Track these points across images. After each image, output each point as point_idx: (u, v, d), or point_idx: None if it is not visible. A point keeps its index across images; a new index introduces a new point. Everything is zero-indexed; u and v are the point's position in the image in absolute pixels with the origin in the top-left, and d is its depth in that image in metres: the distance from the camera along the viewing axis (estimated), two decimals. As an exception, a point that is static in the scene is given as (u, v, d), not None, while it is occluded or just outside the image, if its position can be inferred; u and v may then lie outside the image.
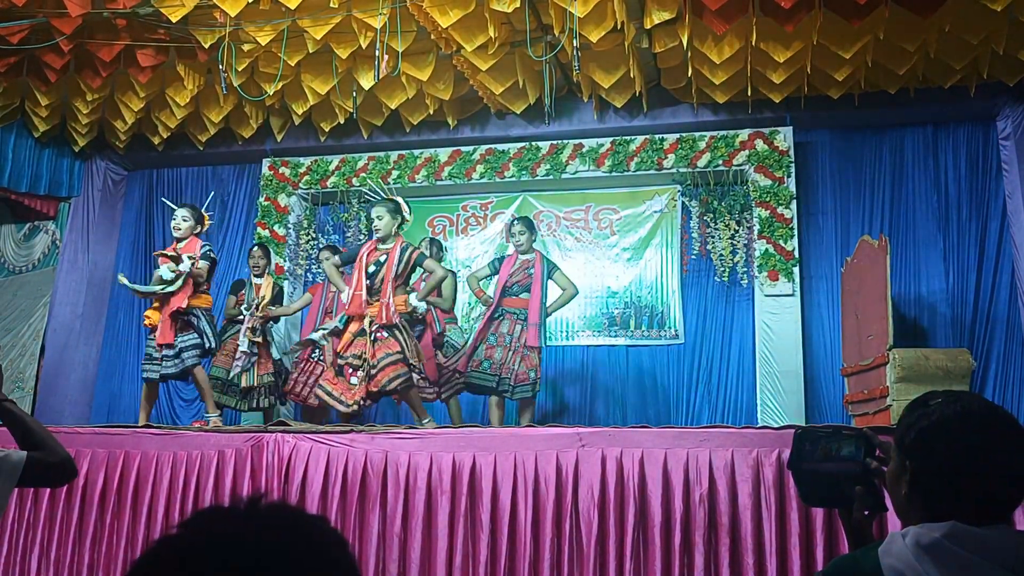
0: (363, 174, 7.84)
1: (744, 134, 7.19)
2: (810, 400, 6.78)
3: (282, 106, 7.56)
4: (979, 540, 1.32)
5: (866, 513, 1.56)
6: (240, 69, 6.58)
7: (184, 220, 5.79)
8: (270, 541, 0.78)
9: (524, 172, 7.58)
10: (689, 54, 6.26)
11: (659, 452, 4.04)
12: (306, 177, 7.99)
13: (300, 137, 7.95)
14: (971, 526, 1.34)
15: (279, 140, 7.99)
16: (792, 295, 6.92)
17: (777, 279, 6.93)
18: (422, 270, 5.74)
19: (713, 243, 7.23)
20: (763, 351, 6.86)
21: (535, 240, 6.36)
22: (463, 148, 7.74)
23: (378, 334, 5.35)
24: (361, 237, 7.95)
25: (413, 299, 5.65)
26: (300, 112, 7.35)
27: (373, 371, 5.28)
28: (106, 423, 6.69)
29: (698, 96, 7.06)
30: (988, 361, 6.65)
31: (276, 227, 7.95)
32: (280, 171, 8.06)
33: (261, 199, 8.03)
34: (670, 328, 7.42)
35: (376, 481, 4.31)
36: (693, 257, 7.42)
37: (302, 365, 6.56)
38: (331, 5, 5.74)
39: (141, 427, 5.12)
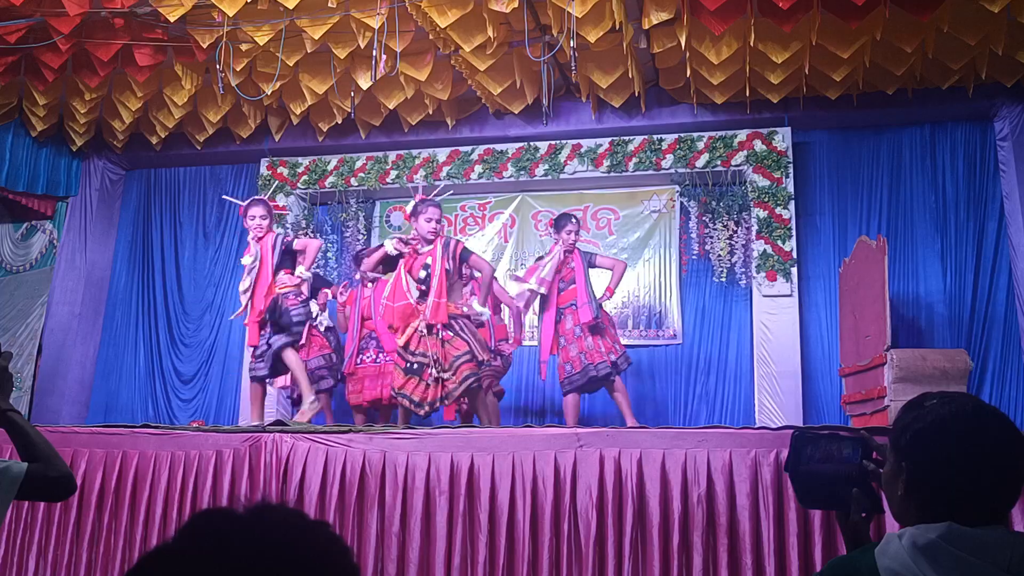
0: (361, 174, 7.84)
1: (742, 134, 7.19)
2: (808, 400, 6.78)
3: (280, 106, 7.56)
4: (975, 541, 1.33)
5: (863, 515, 1.57)
6: (238, 69, 6.58)
7: (263, 218, 5.75)
8: (271, 549, 0.77)
9: (522, 172, 7.58)
10: (687, 54, 6.26)
11: (657, 452, 4.04)
12: (304, 177, 7.99)
13: (298, 137, 7.95)
14: (967, 527, 1.34)
15: (277, 140, 7.98)
16: (790, 295, 6.93)
17: (775, 279, 6.93)
18: (468, 267, 5.74)
19: (711, 243, 7.24)
20: (761, 351, 6.87)
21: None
22: (461, 148, 7.74)
23: (444, 334, 5.34)
24: (360, 237, 7.95)
25: (476, 305, 5.65)
26: (298, 112, 7.34)
27: (445, 374, 5.29)
28: (104, 423, 6.69)
29: (696, 96, 7.06)
30: (986, 361, 6.66)
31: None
32: (278, 171, 8.06)
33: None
34: (668, 328, 7.42)
35: (374, 481, 4.30)
36: (691, 257, 7.42)
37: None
38: (329, 5, 5.74)
39: (139, 427, 5.12)
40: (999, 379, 6.64)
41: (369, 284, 6.45)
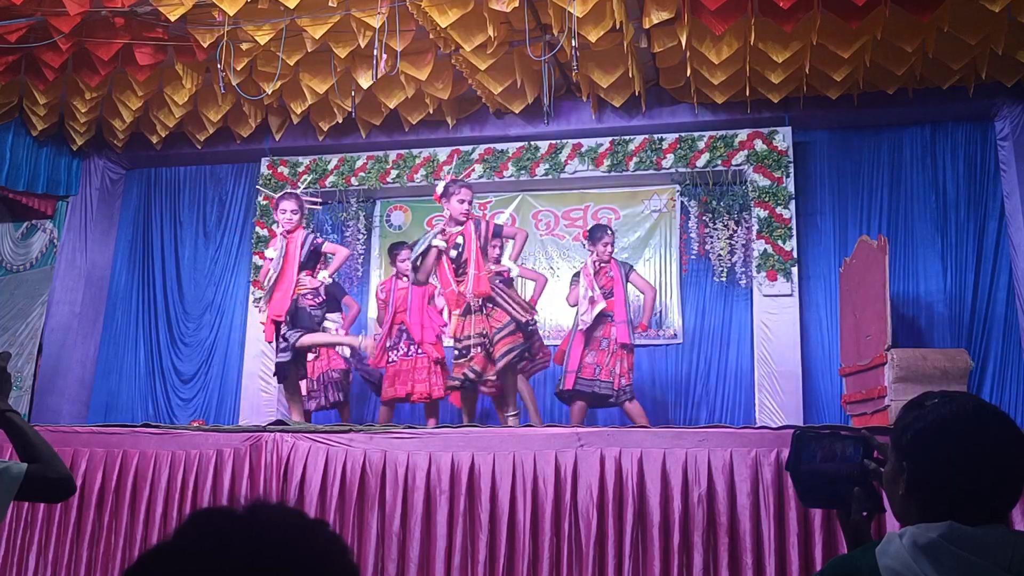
0: (362, 173, 7.84)
1: (743, 134, 7.19)
2: (808, 400, 6.78)
3: (280, 105, 7.55)
4: (976, 540, 1.33)
5: (864, 514, 1.57)
6: (239, 68, 6.58)
7: (294, 212, 5.75)
8: (269, 547, 0.77)
9: (523, 172, 7.58)
10: (688, 54, 6.26)
11: (658, 452, 4.04)
12: (305, 176, 7.98)
13: (299, 136, 7.95)
14: (968, 526, 1.34)
15: (277, 139, 7.98)
16: (790, 295, 6.93)
17: (775, 279, 6.93)
18: (500, 240, 5.87)
19: (712, 243, 7.24)
20: (761, 351, 6.87)
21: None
22: (462, 147, 7.74)
23: (486, 307, 5.45)
24: (360, 236, 7.95)
25: (507, 260, 5.71)
26: (299, 111, 7.34)
27: (491, 345, 5.39)
28: (104, 422, 6.69)
29: (697, 96, 7.06)
30: (986, 361, 6.67)
31: (274, 226, 7.92)
32: (279, 170, 8.06)
33: (259, 198, 8.02)
34: (668, 328, 7.42)
35: (375, 481, 4.30)
36: (692, 257, 7.42)
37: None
38: (330, 4, 5.74)
39: (139, 426, 5.12)
40: (999, 379, 6.64)
41: (404, 278, 6.43)
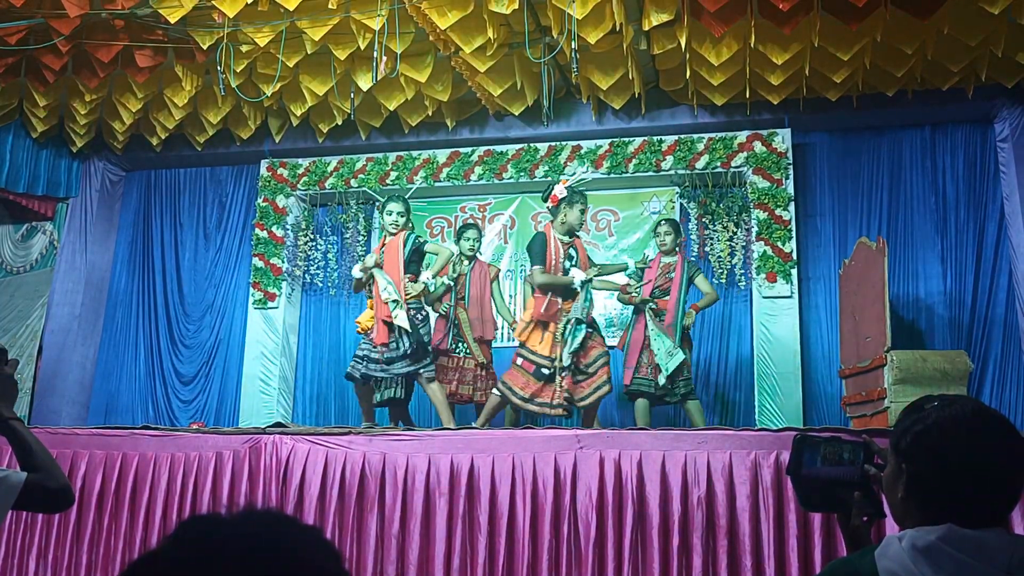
0: (361, 175, 7.84)
1: (742, 136, 7.19)
2: (808, 402, 6.78)
3: (280, 107, 7.56)
4: (975, 543, 1.33)
5: (864, 519, 1.57)
6: (238, 70, 6.58)
7: (400, 215, 5.77)
8: (257, 554, 0.77)
9: (523, 173, 7.58)
10: (687, 56, 6.26)
11: (657, 454, 4.04)
12: (304, 178, 7.99)
13: (298, 138, 7.95)
14: (967, 529, 1.34)
15: (277, 141, 7.98)
16: (790, 297, 6.93)
17: (775, 281, 6.93)
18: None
19: (711, 245, 7.24)
20: (761, 353, 6.86)
21: (681, 243, 6.38)
22: (461, 149, 7.74)
23: (586, 331, 5.46)
24: (360, 238, 7.95)
25: (580, 275, 5.58)
26: (298, 113, 7.34)
27: (580, 376, 5.42)
28: (104, 424, 6.69)
29: (696, 98, 7.06)
30: (986, 363, 6.66)
31: (274, 228, 7.95)
32: (278, 172, 8.06)
33: (259, 200, 8.03)
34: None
35: (374, 483, 4.30)
36: (691, 259, 7.42)
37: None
38: (329, 6, 5.74)
39: (139, 428, 5.12)
40: (999, 380, 6.63)
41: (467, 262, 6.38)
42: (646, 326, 6.01)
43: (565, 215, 5.63)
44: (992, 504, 1.40)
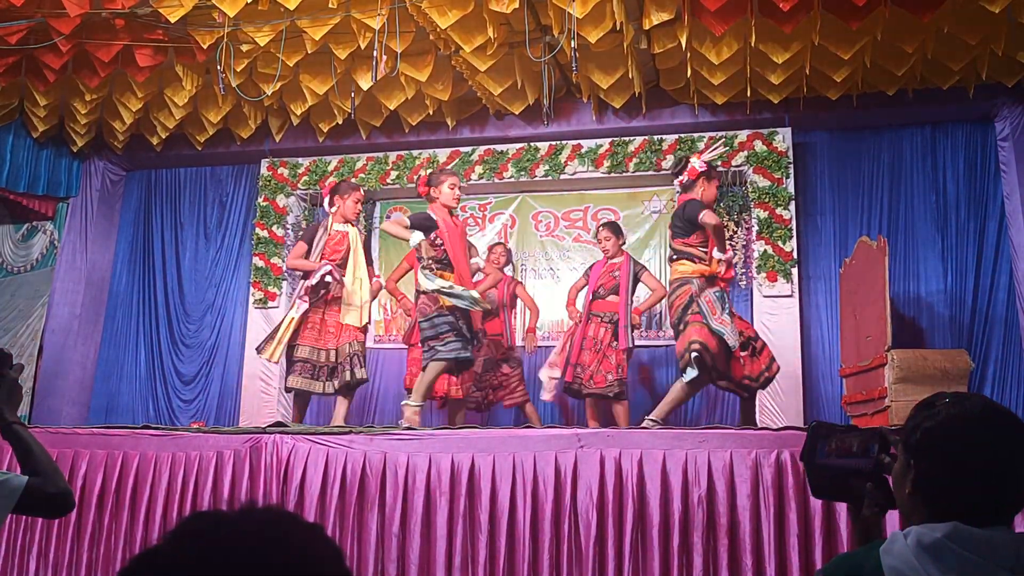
0: (362, 174, 7.84)
1: (743, 135, 7.19)
2: (808, 401, 6.78)
3: (280, 106, 7.55)
4: (980, 541, 1.33)
5: (876, 510, 1.57)
6: (239, 70, 6.57)
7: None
8: (258, 552, 0.76)
9: (523, 173, 7.58)
10: (688, 55, 6.26)
11: (658, 453, 4.04)
12: (304, 178, 7.99)
13: (299, 138, 7.94)
14: (973, 527, 1.34)
15: (278, 140, 7.98)
16: (791, 296, 6.93)
17: (776, 280, 6.93)
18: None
19: (712, 244, 7.23)
20: (762, 352, 6.85)
21: (623, 243, 6.51)
22: (462, 149, 7.74)
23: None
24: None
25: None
26: (299, 113, 7.34)
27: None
28: (104, 424, 6.69)
29: (697, 97, 7.06)
30: (986, 362, 6.66)
31: (275, 227, 7.95)
32: (278, 171, 8.06)
33: (259, 199, 8.03)
34: (668, 328, 7.39)
35: (375, 482, 4.30)
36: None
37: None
38: (330, 6, 5.74)
39: (139, 428, 5.12)
40: (1000, 379, 6.63)
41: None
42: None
43: (704, 189, 5.40)
44: (999, 503, 1.40)
